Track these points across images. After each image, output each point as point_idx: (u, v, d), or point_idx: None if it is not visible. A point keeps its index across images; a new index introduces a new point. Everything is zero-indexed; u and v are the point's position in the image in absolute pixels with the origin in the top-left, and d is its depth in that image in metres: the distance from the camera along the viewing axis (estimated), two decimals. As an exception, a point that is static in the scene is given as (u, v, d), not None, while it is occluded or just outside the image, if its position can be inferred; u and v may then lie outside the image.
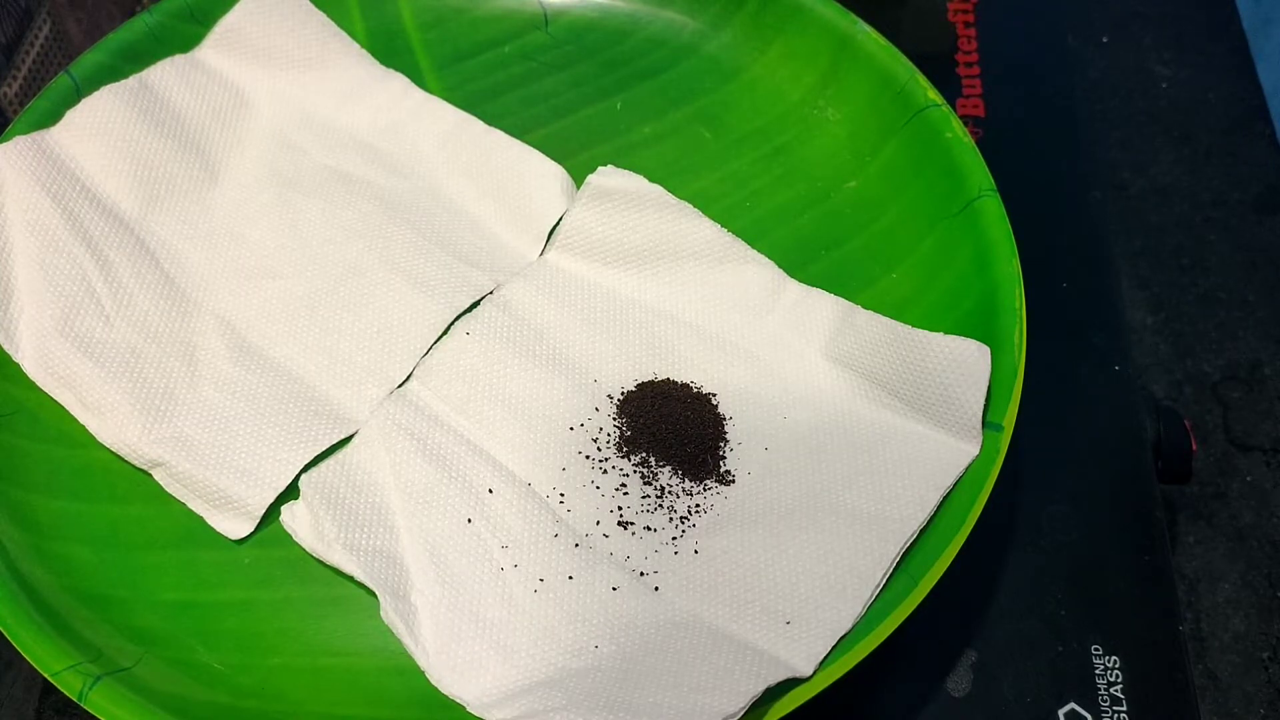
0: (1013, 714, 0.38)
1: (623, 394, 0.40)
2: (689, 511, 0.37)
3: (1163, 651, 0.39)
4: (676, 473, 0.38)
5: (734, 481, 0.38)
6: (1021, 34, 0.57)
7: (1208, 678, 0.43)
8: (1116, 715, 0.38)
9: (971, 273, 0.41)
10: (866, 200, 0.45)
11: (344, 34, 0.49)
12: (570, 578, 0.35)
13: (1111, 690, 0.38)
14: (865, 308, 0.41)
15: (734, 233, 0.43)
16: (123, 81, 0.45)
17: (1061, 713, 0.38)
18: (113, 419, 0.38)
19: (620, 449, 0.38)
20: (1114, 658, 0.39)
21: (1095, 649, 0.39)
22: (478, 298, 0.42)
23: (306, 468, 0.38)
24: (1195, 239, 0.55)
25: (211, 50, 0.47)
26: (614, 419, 0.39)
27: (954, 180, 0.43)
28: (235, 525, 0.37)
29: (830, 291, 0.42)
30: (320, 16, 0.48)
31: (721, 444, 0.38)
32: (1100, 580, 0.40)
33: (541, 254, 0.44)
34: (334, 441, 0.39)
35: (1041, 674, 0.39)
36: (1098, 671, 0.39)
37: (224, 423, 0.39)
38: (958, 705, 0.38)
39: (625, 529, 0.37)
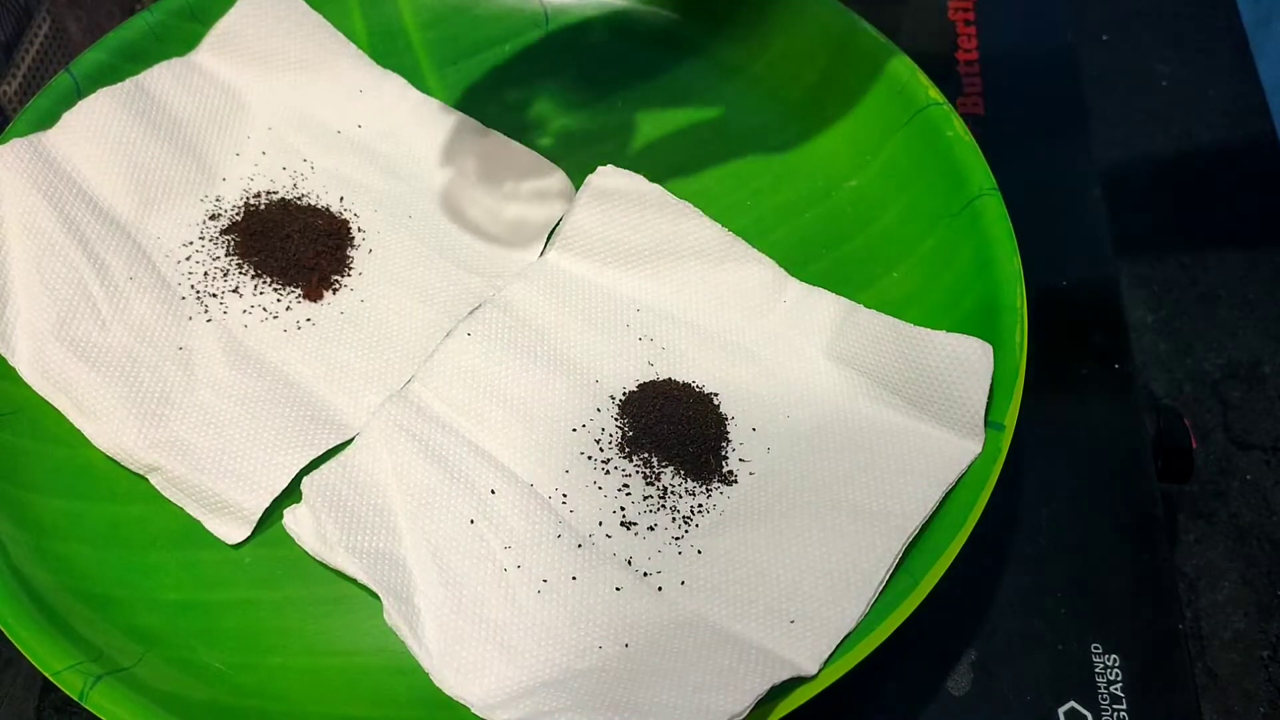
0: (1013, 713, 0.38)
1: (624, 394, 0.40)
2: (692, 511, 0.37)
3: (1163, 651, 0.39)
4: (679, 473, 0.38)
5: (736, 481, 0.38)
6: (1021, 32, 0.57)
7: (1208, 676, 0.43)
8: (1116, 714, 0.38)
9: (972, 272, 0.41)
10: (867, 199, 0.45)
11: (341, 35, 0.48)
12: (574, 578, 0.35)
13: (1111, 689, 0.38)
14: (866, 306, 0.41)
15: (735, 232, 0.43)
16: (119, 84, 0.45)
17: (1061, 712, 0.38)
18: (109, 423, 0.38)
19: (622, 449, 0.38)
20: (1114, 657, 0.39)
21: (1095, 648, 0.39)
22: (477, 305, 0.42)
23: (304, 471, 0.38)
24: (1195, 239, 0.55)
25: (208, 53, 0.47)
26: (616, 419, 0.39)
27: (955, 179, 0.43)
28: (232, 530, 0.37)
29: (831, 290, 0.42)
30: (317, 18, 0.48)
31: (724, 444, 0.38)
32: (1100, 580, 0.40)
33: (541, 254, 0.44)
34: (330, 446, 0.39)
35: (1041, 673, 0.39)
36: (1098, 671, 0.39)
37: (220, 427, 0.38)
38: (958, 705, 0.38)
39: (628, 529, 0.36)
